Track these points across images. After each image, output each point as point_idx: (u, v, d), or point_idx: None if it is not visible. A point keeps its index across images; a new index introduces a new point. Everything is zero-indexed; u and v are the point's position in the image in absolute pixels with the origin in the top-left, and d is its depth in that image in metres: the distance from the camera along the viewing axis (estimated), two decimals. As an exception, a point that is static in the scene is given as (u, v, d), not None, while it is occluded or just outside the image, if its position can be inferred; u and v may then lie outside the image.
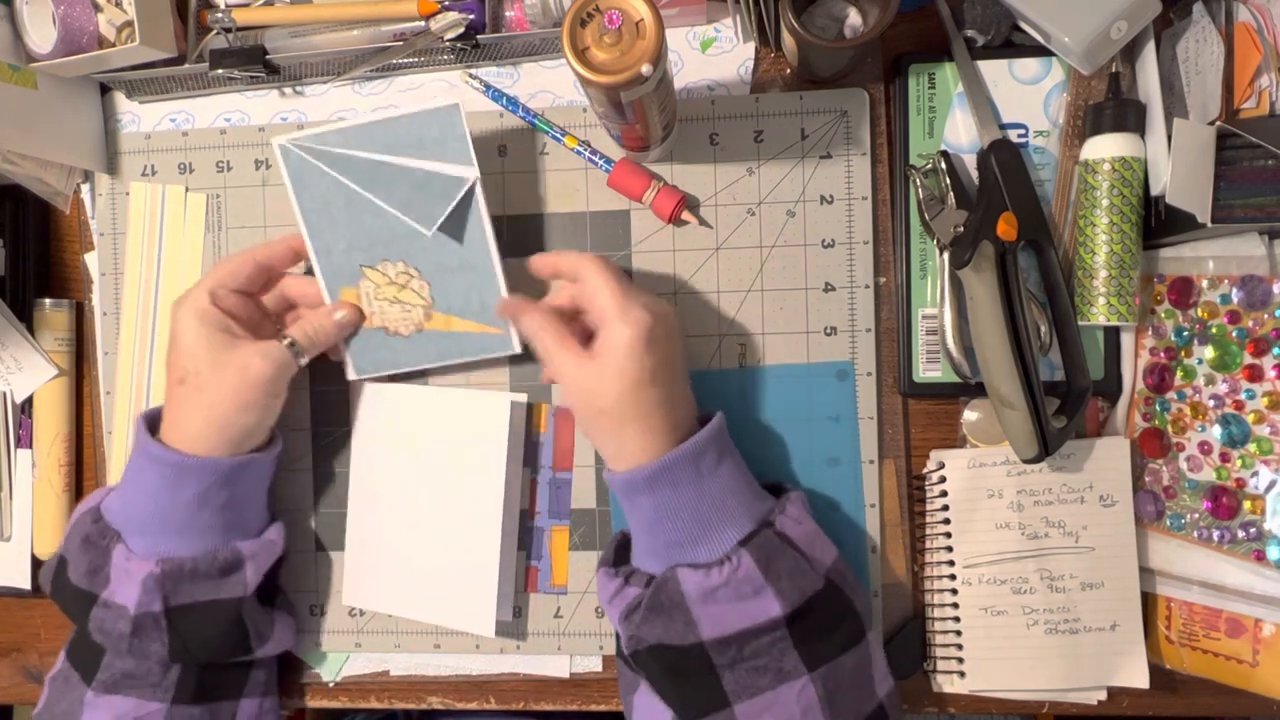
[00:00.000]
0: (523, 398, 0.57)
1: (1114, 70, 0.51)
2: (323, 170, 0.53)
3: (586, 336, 0.51)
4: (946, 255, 0.53)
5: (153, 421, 0.53)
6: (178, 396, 0.51)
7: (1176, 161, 0.46)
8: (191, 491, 0.51)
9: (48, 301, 0.61)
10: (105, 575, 0.51)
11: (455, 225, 0.53)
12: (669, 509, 0.47)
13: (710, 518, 0.47)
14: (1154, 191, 0.50)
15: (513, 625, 0.58)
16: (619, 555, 0.53)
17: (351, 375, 0.57)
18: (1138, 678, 0.53)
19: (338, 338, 0.55)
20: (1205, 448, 0.52)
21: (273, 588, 0.58)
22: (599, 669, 0.58)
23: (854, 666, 0.47)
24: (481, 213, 0.53)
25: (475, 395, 0.57)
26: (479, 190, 0.53)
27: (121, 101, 0.61)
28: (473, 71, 0.58)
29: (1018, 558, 0.54)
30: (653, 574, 0.48)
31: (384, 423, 0.58)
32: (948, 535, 0.55)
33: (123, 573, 0.50)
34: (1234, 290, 0.51)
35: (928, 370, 0.55)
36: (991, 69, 0.54)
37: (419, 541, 0.57)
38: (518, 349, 0.55)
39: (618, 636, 0.50)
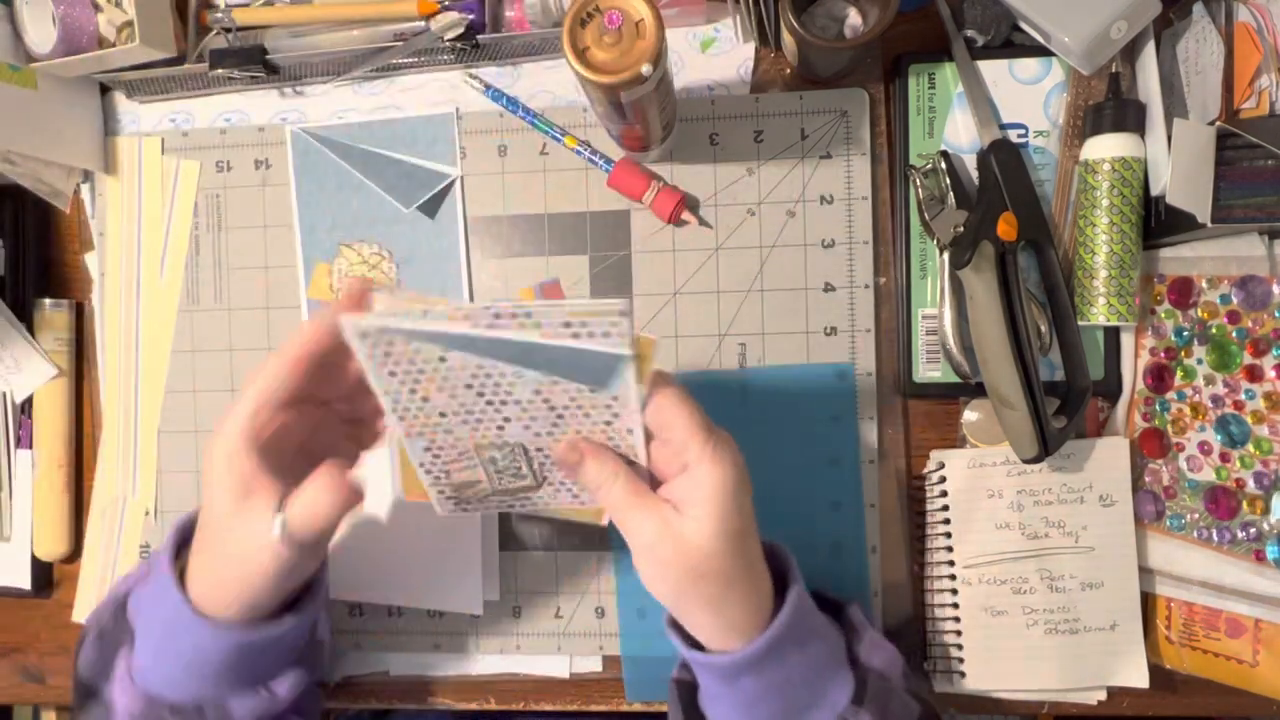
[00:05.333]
0: None
1: (1114, 70, 0.51)
2: (324, 154, 0.59)
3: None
4: (946, 255, 0.53)
5: (186, 535, 0.45)
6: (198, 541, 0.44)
7: (1176, 161, 0.46)
8: (207, 652, 0.43)
9: (48, 301, 0.61)
10: (108, 673, 0.45)
11: (432, 216, 0.58)
12: (775, 684, 0.41)
13: (816, 682, 0.42)
14: (1154, 191, 0.50)
15: (511, 625, 0.58)
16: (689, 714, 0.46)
17: None
18: (1138, 678, 0.53)
19: (333, 519, 0.40)
20: (1205, 448, 0.52)
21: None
22: (599, 669, 0.58)
23: None
24: (458, 209, 0.58)
25: None
26: (458, 188, 0.58)
27: (121, 101, 0.61)
28: (473, 71, 0.58)
29: (1018, 558, 0.54)
30: None
31: None
32: (948, 535, 0.55)
33: (118, 681, 0.45)
34: (1234, 290, 0.51)
35: (928, 370, 0.55)
36: (991, 69, 0.54)
37: (401, 527, 0.58)
38: None
39: None
